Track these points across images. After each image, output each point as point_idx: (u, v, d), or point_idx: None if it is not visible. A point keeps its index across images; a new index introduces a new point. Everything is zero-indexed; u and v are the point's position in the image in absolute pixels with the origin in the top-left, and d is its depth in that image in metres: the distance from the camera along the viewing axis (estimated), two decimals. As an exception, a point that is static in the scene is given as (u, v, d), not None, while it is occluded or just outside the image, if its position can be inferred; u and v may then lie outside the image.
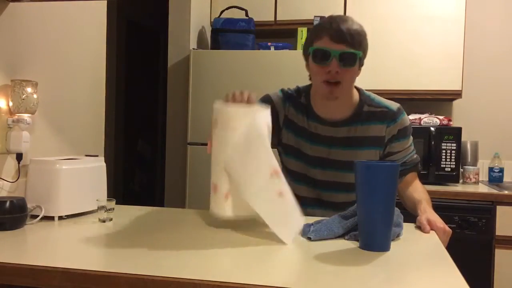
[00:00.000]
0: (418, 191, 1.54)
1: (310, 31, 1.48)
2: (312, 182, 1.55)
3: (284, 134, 1.57)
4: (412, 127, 2.76)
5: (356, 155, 1.49)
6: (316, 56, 1.40)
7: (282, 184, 1.19)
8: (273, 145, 1.54)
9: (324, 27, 1.40)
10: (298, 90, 1.58)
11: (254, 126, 1.18)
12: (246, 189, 1.17)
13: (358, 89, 1.54)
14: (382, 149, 1.52)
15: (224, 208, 1.22)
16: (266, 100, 1.56)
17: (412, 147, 1.58)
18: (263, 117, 1.22)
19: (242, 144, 1.17)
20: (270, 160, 1.18)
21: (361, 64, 1.46)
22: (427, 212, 1.41)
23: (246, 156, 1.17)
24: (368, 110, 1.51)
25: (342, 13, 2.99)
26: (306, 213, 1.54)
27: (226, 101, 1.24)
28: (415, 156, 1.59)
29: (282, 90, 1.59)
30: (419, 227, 1.36)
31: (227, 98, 1.24)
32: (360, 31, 1.41)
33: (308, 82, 1.55)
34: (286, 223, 1.17)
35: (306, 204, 1.54)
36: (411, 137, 1.56)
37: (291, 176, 1.58)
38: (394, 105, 1.53)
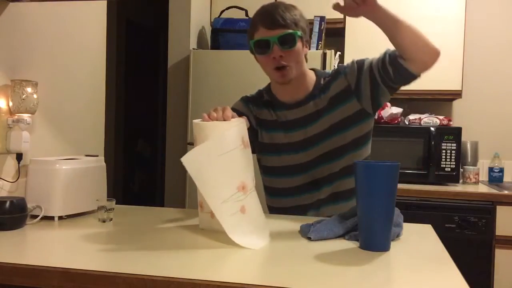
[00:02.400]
0: None
1: (248, 29, 1.51)
2: (300, 167, 1.54)
3: (259, 134, 1.59)
4: (412, 127, 2.81)
5: (331, 118, 1.49)
6: (258, 48, 1.44)
7: (247, 200, 1.18)
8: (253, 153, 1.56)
9: (257, 19, 1.44)
10: (259, 91, 1.63)
11: (226, 139, 1.17)
12: (212, 201, 1.17)
13: (314, 70, 1.56)
14: (355, 97, 1.47)
15: (212, 225, 1.23)
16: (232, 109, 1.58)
17: (377, 56, 1.48)
18: (238, 130, 1.21)
19: (212, 157, 1.16)
20: (239, 174, 1.18)
21: (306, 41, 1.48)
22: None
23: (215, 168, 1.16)
24: (324, 82, 1.53)
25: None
26: (307, 209, 1.55)
27: (204, 118, 1.25)
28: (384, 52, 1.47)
29: (242, 98, 1.64)
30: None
31: (204, 116, 1.25)
32: (294, 13, 1.44)
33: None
34: (246, 238, 1.15)
35: (304, 191, 1.54)
36: (368, 59, 1.49)
37: (276, 172, 1.58)
38: (338, 65, 1.57)
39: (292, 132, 1.53)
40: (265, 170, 1.61)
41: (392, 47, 1.42)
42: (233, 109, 1.55)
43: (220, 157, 1.16)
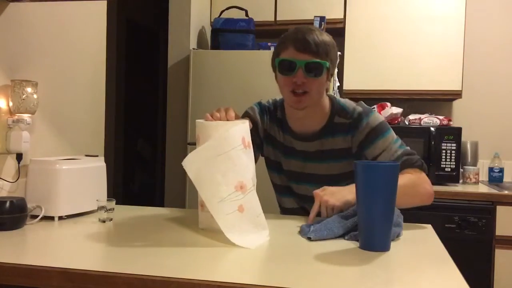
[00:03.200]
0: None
1: (276, 45, 1.46)
2: (294, 194, 1.57)
3: (264, 148, 1.59)
4: (412, 127, 2.81)
5: (330, 168, 1.48)
6: (282, 67, 1.40)
7: (246, 200, 1.19)
8: (257, 158, 1.56)
9: (290, 38, 1.39)
10: (275, 103, 1.58)
11: (226, 139, 1.18)
12: (209, 200, 1.17)
13: (331, 99, 1.50)
14: (353, 158, 1.44)
15: (212, 225, 1.23)
16: (244, 115, 1.58)
17: (397, 145, 1.43)
18: (239, 130, 1.21)
19: (211, 157, 1.17)
20: (238, 174, 1.18)
21: (331, 75, 1.44)
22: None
23: (213, 168, 1.17)
24: (339, 122, 1.47)
25: (342, 13, 3.00)
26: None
27: (206, 118, 1.25)
28: (401, 152, 1.41)
29: (260, 104, 1.59)
30: None
31: (207, 116, 1.25)
32: (328, 41, 1.39)
33: None
34: (243, 237, 1.15)
35: (294, 215, 1.54)
36: (391, 135, 1.44)
37: (275, 189, 1.63)
38: (357, 110, 1.45)
39: (292, 159, 1.53)
40: (272, 183, 1.65)
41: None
42: (247, 113, 1.58)
43: (218, 157, 1.17)
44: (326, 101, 1.49)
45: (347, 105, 1.49)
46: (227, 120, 1.23)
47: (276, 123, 1.55)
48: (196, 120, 1.25)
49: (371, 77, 2.93)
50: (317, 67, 1.37)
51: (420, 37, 2.91)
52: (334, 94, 2.63)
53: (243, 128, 1.23)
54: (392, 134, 1.45)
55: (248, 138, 1.25)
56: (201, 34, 3.12)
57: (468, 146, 2.98)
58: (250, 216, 1.19)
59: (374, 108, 2.36)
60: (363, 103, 1.51)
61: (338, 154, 1.48)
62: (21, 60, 1.58)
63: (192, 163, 1.17)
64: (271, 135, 1.57)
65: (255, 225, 1.20)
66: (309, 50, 1.36)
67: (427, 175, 1.45)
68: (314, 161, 1.49)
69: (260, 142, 1.57)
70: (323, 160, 1.49)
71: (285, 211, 1.61)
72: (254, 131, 1.52)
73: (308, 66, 1.36)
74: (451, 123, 2.90)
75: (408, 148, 1.45)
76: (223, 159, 1.17)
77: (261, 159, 1.63)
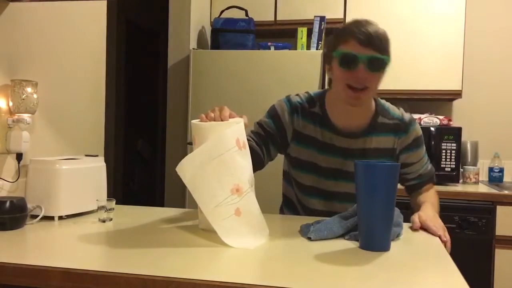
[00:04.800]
0: (427, 196, 1.54)
1: (334, 34, 1.43)
2: (324, 194, 1.51)
3: (292, 148, 1.51)
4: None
5: None
6: (343, 61, 1.35)
7: (243, 203, 1.17)
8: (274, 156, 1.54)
9: (351, 31, 1.34)
10: (311, 98, 1.51)
11: (219, 142, 1.16)
12: (205, 206, 1.16)
13: (374, 98, 1.51)
14: (394, 161, 1.50)
15: (212, 225, 1.23)
16: (272, 113, 1.51)
17: (426, 158, 1.57)
18: (233, 132, 1.19)
19: (205, 161, 1.16)
20: (233, 177, 1.17)
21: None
22: (424, 211, 1.40)
23: (207, 173, 1.16)
24: (382, 122, 1.49)
25: (342, 13, 2.99)
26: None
27: (201, 119, 1.23)
28: (429, 167, 1.58)
29: (289, 101, 1.51)
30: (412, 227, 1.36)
31: (201, 117, 1.24)
32: (386, 36, 1.36)
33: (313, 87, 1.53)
34: (241, 240, 1.14)
35: (319, 216, 1.51)
36: (424, 147, 1.55)
37: (301, 189, 1.54)
38: (406, 116, 1.51)
39: (331, 156, 1.48)
40: (295, 183, 1.56)
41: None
42: (275, 112, 1.50)
43: (212, 161, 1.15)
44: (372, 99, 1.49)
45: (390, 107, 1.53)
46: (221, 120, 1.21)
47: (311, 119, 1.48)
48: (191, 121, 1.24)
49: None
50: (379, 62, 1.34)
51: (420, 37, 2.91)
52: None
53: (237, 129, 1.21)
54: (424, 148, 1.55)
55: (243, 138, 1.23)
56: (201, 34, 3.12)
57: (468, 146, 2.98)
58: (247, 219, 1.18)
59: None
60: (402, 109, 1.56)
61: (383, 153, 1.48)
62: (21, 60, 1.58)
63: (186, 169, 1.16)
64: (304, 134, 1.49)
65: (253, 227, 1.19)
66: (372, 44, 1.32)
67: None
68: (356, 158, 1.44)
69: (286, 144, 1.51)
70: (363, 158, 1.46)
71: (310, 212, 1.54)
72: (278, 135, 1.49)
73: (371, 61, 1.32)
74: (451, 123, 2.90)
75: (429, 161, 1.59)
76: (217, 163, 1.15)
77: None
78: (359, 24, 1.34)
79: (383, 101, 1.53)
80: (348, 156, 1.47)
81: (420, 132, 1.53)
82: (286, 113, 1.49)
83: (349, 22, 1.40)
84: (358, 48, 1.32)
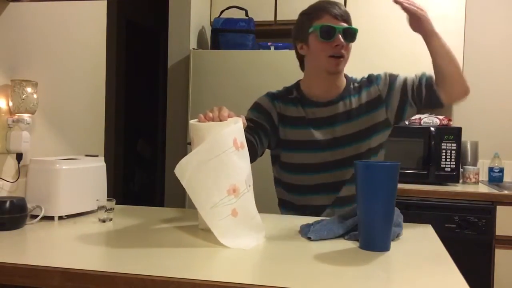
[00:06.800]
0: None
1: (305, 14, 1.57)
2: (322, 167, 1.56)
3: (281, 131, 1.59)
4: (412, 127, 2.81)
5: (362, 123, 1.55)
6: (323, 33, 1.49)
7: (239, 203, 1.17)
8: (265, 147, 1.58)
9: (324, 7, 1.51)
10: (286, 88, 1.65)
11: (216, 143, 1.16)
12: (202, 207, 1.16)
13: (344, 74, 1.62)
14: (384, 106, 1.56)
15: None
16: (255, 107, 1.62)
17: (414, 76, 1.62)
18: (231, 132, 1.19)
19: (201, 162, 1.15)
20: (229, 178, 1.16)
21: None
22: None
23: (204, 173, 1.15)
24: (354, 86, 1.61)
25: (342, 13, 3.00)
26: (321, 210, 1.55)
27: (199, 119, 1.24)
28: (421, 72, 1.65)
29: (268, 93, 1.65)
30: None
31: (200, 117, 1.24)
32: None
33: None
34: (237, 240, 1.14)
35: (324, 191, 1.55)
36: (405, 75, 1.62)
37: (296, 169, 1.58)
38: (369, 74, 1.63)
39: (321, 129, 1.56)
40: (284, 167, 1.61)
41: (420, 68, 1.64)
42: (257, 104, 1.62)
43: (209, 162, 1.15)
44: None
45: (354, 76, 1.65)
46: (220, 120, 1.21)
47: (292, 103, 1.60)
48: (190, 122, 1.24)
49: (371, 77, 2.93)
50: (352, 33, 1.51)
51: (420, 37, 2.90)
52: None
53: (235, 129, 1.20)
54: (406, 75, 1.62)
55: (241, 138, 1.22)
56: (201, 34, 3.12)
57: (468, 146, 2.98)
58: (244, 220, 1.18)
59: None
60: None
61: (369, 106, 1.57)
62: (21, 60, 1.58)
63: (184, 170, 1.15)
64: (288, 115, 1.59)
65: (250, 228, 1.19)
66: (344, 17, 1.51)
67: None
68: (342, 122, 1.55)
69: (275, 129, 1.59)
70: (350, 119, 1.55)
71: (311, 190, 1.57)
72: (266, 121, 1.58)
73: (346, 31, 1.49)
74: (451, 123, 2.90)
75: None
76: (214, 163, 1.15)
77: (264, 164, 1.61)
78: (327, 3, 1.53)
79: (350, 76, 1.66)
80: (334, 122, 1.56)
81: (388, 73, 1.62)
82: (267, 102, 1.62)
83: (316, 2, 1.56)
84: (333, 21, 1.50)
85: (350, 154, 1.54)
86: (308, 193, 1.57)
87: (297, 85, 1.64)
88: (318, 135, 1.55)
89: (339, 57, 1.50)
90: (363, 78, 1.63)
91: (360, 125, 1.55)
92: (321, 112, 1.57)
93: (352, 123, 1.55)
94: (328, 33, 1.48)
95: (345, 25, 1.50)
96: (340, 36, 1.48)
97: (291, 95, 1.62)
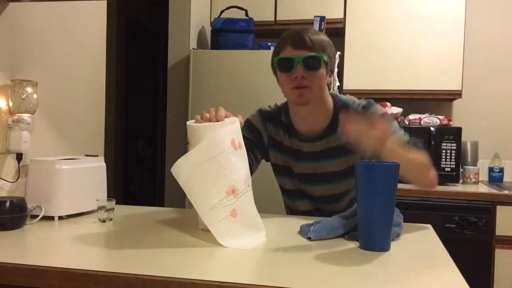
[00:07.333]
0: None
1: (274, 48, 1.49)
2: (309, 197, 1.56)
3: (271, 154, 1.58)
4: (412, 127, 2.81)
5: (342, 163, 1.48)
6: (281, 65, 1.42)
7: (239, 203, 1.17)
8: (259, 161, 1.58)
9: (285, 38, 1.44)
10: (278, 108, 1.58)
11: (214, 143, 1.15)
12: (200, 208, 1.16)
13: (333, 96, 1.52)
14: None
15: None
16: (247, 124, 1.56)
17: (402, 132, 1.47)
18: (228, 132, 1.18)
19: (199, 163, 1.15)
20: (228, 178, 1.16)
21: (331, 70, 1.46)
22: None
23: (202, 174, 1.15)
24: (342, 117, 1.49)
25: (342, 13, 3.00)
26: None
27: (196, 120, 1.24)
28: (405, 137, 1.47)
29: (260, 111, 1.59)
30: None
31: (197, 117, 1.24)
32: (323, 38, 1.43)
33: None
34: (237, 241, 1.14)
35: (310, 214, 1.54)
36: (395, 124, 1.46)
37: (287, 194, 1.60)
38: (362, 103, 1.49)
39: (302, 162, 1.52)
40: (280, 189, 1.63)
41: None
42: (250, 123, 1.57)
43: (207, 162, 1.14)
44: (329, 99, 1.50)
45: (349, 100, 1.51)
46: (217, 120, 1.21)
47: (281, 127, 1.55)
48: (187, 123, 1.23)
49: (371, 77, 2.93)
50: (314, 61, 1.39)
51: (420, 37, 2.91)
52: (334, 94, 2.62)
53: (232, 129, 1.20)
54: (396, 124, 1.47)
55: (239, 139, 1.22)
56: (201, 34, 3.12)
57: (468, 146, 2.98)
58: (244, 220, 1.18)
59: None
60: (362, 98, 1.53)
61: (348, 147, 1.45)
62: (21, 60, 1.58)
63: (180, 170, 1.15)
64: (277, 140, 1.55)
65: (250, 228, 1.18)
66: (305, 45, 1.39)
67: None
68: (324, 159, 1.49)
69: (265, 149, 1.57)
70: (333, 158, 1.48)
71: (300, 214, 1.58)
72: (258, 140, 1.55)
73: (305, 61, 1.38)
74: (451, 123, 2.90)
75: (406, 134, 1.49)
76: (212, 164, 1.14)
77: (264, 164, 1.62)
78: (292, 31, 1.44)
79: (344, 97, 1.53)
80: (316, 159, 1.50)
81: (381, 111, 1.48)
82: (259, 122, 1.57)
83: (287, 31, 1.47)
84: (292, 52, 1.40)
85: (332, 193, 1.51)
86: (294, 202, 1.60)
87: (286, 107, 1.55)
88: (298, 168, 1.52)
89: (303, 87, 1.40)
90: (360, 104, 1.49)
91: (343, 165, 1.48)
92: (304, 146, 1.51)
93: (335, 162, 1.49)
94: (286, 66, 1.40)
95: (305, 53, 1.38)
96: (300, 66, 1.38)
97: (281, 117, 1.55)
